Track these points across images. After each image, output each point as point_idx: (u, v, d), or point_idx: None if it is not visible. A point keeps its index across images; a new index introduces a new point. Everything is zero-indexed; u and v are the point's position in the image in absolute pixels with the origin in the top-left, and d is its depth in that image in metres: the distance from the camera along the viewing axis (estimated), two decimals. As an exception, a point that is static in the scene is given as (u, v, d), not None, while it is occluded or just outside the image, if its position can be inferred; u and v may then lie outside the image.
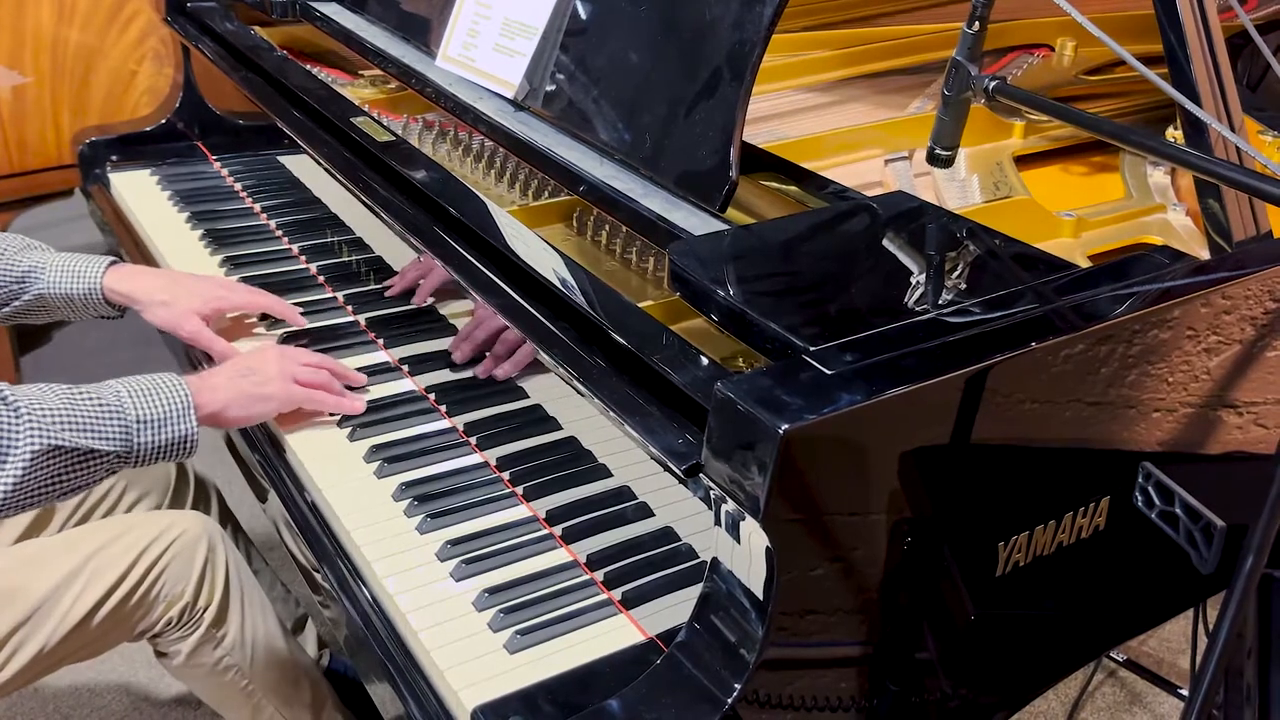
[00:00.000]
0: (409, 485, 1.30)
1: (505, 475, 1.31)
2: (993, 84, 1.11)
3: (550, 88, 1.49)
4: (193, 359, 1.64)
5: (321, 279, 1.75)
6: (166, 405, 1.28)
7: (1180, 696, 2.07)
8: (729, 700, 0.92)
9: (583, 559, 1.19)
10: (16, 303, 1.59)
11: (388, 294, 1.63)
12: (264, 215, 1.96)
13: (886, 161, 1.56)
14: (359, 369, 1.51)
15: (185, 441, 1.29)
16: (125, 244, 1.99)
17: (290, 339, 1.58)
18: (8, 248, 1.58)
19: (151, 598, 1.45)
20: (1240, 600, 0.91)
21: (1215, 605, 0.99)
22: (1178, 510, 1.06)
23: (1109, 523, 1.11)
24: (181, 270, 1.78)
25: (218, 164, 2.16)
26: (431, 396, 1.45)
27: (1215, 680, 0.94)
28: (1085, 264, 1.30)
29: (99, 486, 1.55)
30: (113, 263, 1.60)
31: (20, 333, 3.00)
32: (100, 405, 1.24)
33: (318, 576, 1.29)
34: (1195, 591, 1.33)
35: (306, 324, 1.60)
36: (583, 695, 1.01)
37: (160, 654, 1.56)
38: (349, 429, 1.39)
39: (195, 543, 1.48)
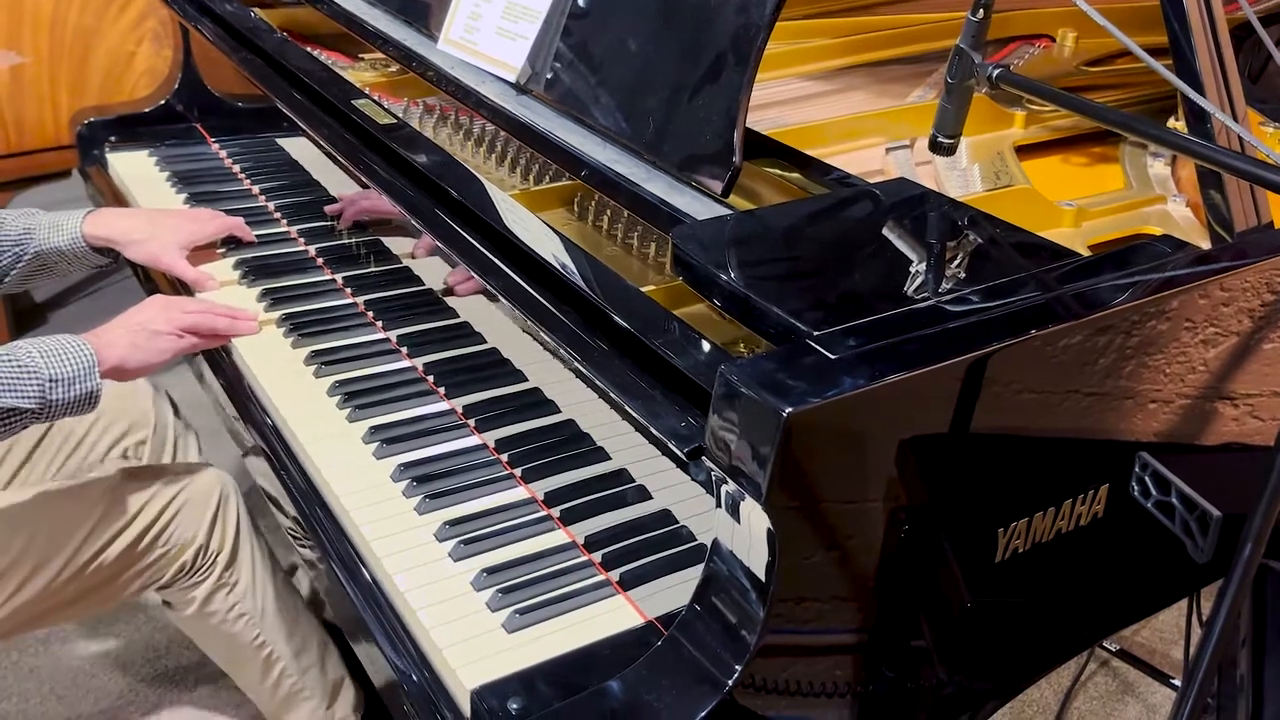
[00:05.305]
0: (408, 466, 1.30)
1: (504, 457, 1.31)
2: (996, 72, 1.11)
3: (552, 72, 1.48)
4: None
5: (320, 261, 1.75)
6: (75, 365, 1.36)
7: (1172, 687, 2.08)
8: (729, 682, 0.92)
9: (581, 540, 1.19)
10: (21, 265, 1.65)
11: (327, 211, 1.73)
12: (263, 197, 1.95)
13: (887, 150, 1.56)
14: (358, 351, 1.51)
15: (91, 396, 1.38)
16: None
17: (287, 319, 1.58)
18: (5, 217, 1.63)
19: (163, 543, 1.48)
20: (1237, 590, 0.91)
21: (1209, 596, 0.99)
22: (1174, 500, 1.07)
23: (1107, 511, 1.12)
24: None
25: (216, 146, 2.15)
26: (430, 378, 1.46)
27: (1210, 670, 0.95)
28: (1086, 254, 1.31)
29: (80, 426, 1.70)
30: (90, 211, 1.68)
31: (16, 313, 3.00)
32: (19, 367, 1.32)
33: (316, 555, 1.29)
34: (1190, 581, 1.33)
35: (255, 238, 1.77)
36: (582, 677, 1.02)
37: (170, 605, 1.57)
38: (349, 410, 1.39)
39: (209, 491, 1.52)
